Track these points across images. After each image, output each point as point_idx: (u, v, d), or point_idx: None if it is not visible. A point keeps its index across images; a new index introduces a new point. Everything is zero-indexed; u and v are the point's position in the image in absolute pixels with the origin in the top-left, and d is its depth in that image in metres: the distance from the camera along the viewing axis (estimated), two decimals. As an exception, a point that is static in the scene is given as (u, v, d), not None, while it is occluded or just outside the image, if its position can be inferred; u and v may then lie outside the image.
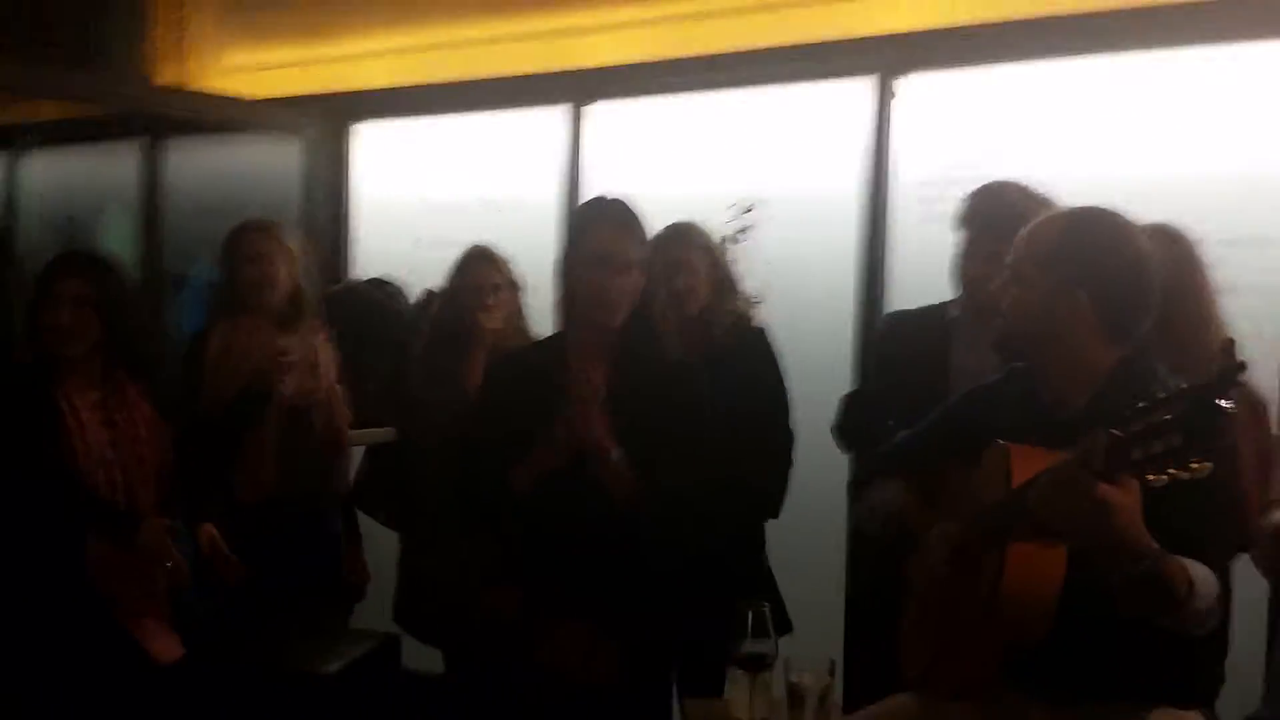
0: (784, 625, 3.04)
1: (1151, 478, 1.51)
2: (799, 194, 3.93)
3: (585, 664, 2.51)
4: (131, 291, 3.07)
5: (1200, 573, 1.72)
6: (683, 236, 3.17)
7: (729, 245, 3.61)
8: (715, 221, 3.58)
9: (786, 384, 3.23)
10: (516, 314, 3.38)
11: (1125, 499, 1.61)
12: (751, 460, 3.06)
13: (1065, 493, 1.64)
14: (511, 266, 3.42)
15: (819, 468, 3.33)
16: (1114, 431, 1.54)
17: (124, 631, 2.79)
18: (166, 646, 2.85)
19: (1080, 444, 1.63)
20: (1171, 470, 1.48)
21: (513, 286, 3.40)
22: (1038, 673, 1.94)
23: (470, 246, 3.44)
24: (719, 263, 3.21)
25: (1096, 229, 1.94)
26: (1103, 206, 1.99)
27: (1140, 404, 1.52)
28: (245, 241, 3.34)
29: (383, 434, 3.63)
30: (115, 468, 2.87)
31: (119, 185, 4.97)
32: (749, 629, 2.32)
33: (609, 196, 2.64)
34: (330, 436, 3.41)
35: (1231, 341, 1.52)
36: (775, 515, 3.23)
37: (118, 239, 5.03)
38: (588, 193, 4.16)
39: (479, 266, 3.36)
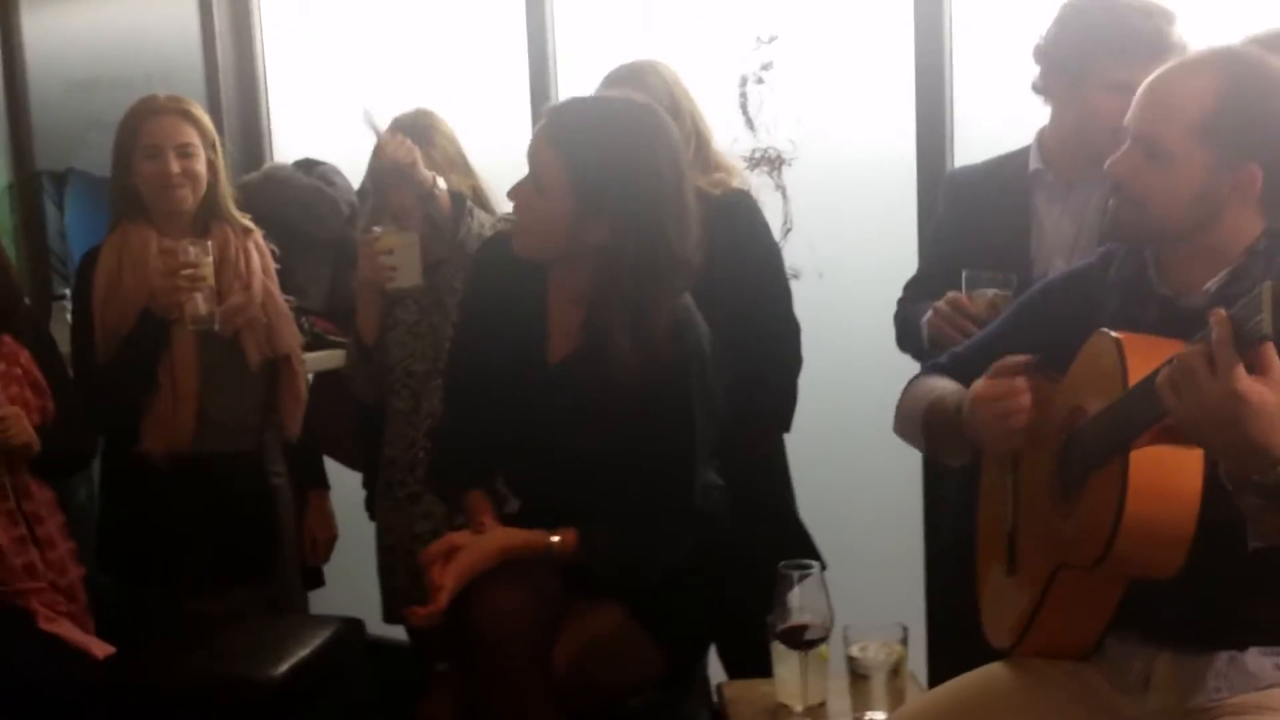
0: None
1: None
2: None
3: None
4: None
5: None
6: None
7: (747, 88, 3.28)
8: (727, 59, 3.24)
9: (776, 257, 2.84)
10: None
11: (1267, 395, 1.46)
12: (744, 361, 2.64)
13: (1197, 381, 1.48)
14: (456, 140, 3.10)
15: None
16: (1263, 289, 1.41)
17: (52, 639, 2.53)
18: (98, 645, 2.58)
19: (1212, 324, 1.49)
20: None
21: (456, 168, 3.04)
22: (1161, 618, 1.74)
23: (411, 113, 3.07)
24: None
25: (1259, 80, 1.73)
26: (1243, 47, 1.82)
27: None
28: (144, 130, 2.84)
29: (335, 358, 3.22)
30: None
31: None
32: (786, 595, 2.06)
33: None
34: (270, 366, 2.97)
35: None
36: (785, 428, 2.87)
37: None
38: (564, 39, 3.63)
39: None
